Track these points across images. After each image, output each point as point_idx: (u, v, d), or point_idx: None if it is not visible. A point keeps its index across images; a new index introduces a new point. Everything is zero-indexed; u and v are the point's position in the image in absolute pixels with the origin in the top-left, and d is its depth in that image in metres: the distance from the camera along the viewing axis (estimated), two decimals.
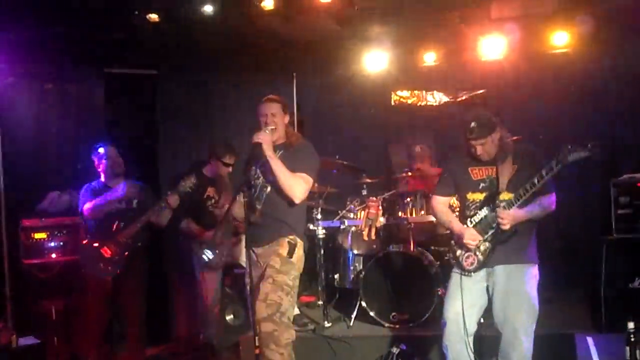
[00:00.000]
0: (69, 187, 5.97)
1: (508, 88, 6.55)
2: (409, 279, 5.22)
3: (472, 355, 3.99)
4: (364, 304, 5.25)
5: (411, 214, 5.57)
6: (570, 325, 4.99)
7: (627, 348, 3.79)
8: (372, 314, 5.24)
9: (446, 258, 4.43)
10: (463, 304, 3.93)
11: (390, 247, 5.48)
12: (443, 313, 4.06)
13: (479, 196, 4.02)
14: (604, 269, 4.88)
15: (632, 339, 3.79)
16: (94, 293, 5.29)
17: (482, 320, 4.19)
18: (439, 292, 5.14)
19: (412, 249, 5.38)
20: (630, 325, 3.79)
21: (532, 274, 3.93)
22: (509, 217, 3.80)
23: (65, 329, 5.59)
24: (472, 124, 3.91)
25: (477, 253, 3.97)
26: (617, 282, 4.82)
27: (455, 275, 4.08)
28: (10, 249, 5.79)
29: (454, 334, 3.97)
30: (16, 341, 5.28)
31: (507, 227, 3.81)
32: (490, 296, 3.98)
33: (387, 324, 5.18)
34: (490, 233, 3.93)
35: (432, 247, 5.68)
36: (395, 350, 4.75)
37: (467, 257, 4.00)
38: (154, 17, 5.74)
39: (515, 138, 4.17)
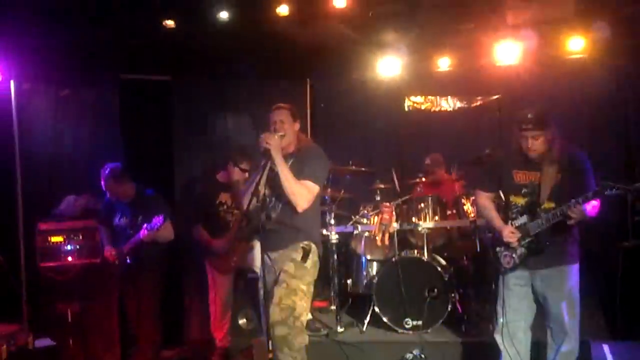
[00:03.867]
0: (85, 191, 6.03)
1: (523, 94, 6.49)
2: (423, 284, 5.20)
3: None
4: (377, 309, 5.24)
5: (425, 220, 5.56)
6: (586, 332, 4.91)
7: None
8: (385, 319, 5.22)
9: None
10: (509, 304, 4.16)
11: (404, 253, 5.47)
12: (499, 318, 4.22)
13: (521, 200, 4.10)
14: (621, 275, 4.84)
15: None
16: (115, 295, 5.47)
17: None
18: (453, 298, 5.14)
19: (425, 254, 5.37)
20: None
21: (572, 273, 4.05)
22: (581, 213, 3.80)
23: (80, 331, 5.65)
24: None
25: (514, 255, 4.09)
26: (633, 289, 4.79)
27: (501, 279, 4.22)
28: (27, 252, 5.85)
29: (512, 334, 4.18)
30: (32, 343, 5.32)
31: (573, 222, 3.84)
32: (537, 297, 4.14)
33: (400, 330, 5.16)
34: (527, 240, 4.04)
35: (446, 253, 5.67)
36: (409, 356, 4.73)
37: (505, 256, 4.13)
38: (169, 23, 5.79)
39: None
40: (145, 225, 5.22)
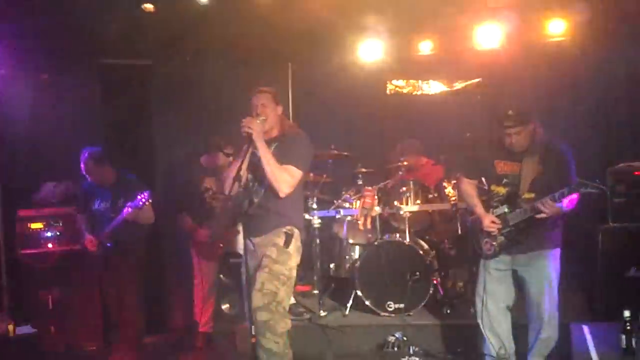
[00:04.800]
0: (64, 177, 5.97)
1: (504, 77, 6.52)
2: (405, 268, 5.22)
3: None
4: (359, 293, 5.26)
5: (406, 204, 5.58)
6: (565, 314, 4.99)
7: (623, 336, 3.79)
8: (367, 303, 5.24)
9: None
10: (488, 288, 4.18)
11: (386, 237, 5.49)
12: (478, 303, 4.25)
13: (502, 190, 4.13)
14: (600, 257, 4.90)
15: (628, 327, 3.79)
16: (96, 282, 5.43)
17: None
18: (434, 281, 5.18)
19: (407, 238, 5.39)
20: (626, 313, 3.79)
21: (552, 257, 4.08)
22: (553, 209, 3.86)
23: (62, 318, 5.62)
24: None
25: (494, 243, 4.13)
26: (612, 270, 4.85)
27: (482, 263, 4.24)
28: (6, 239, 5.80)
29: (492, 317, 4.22)
30: (14, 330, 5.29)
31: (544, 216, 3.89)
32: (517, 281, 4.19)
33: (382, 313, 5.20)
34: (506, 230, 4.08)
35: (427, 237, 5.70)
36: (391, 338, 4.77)
37: (486, 243, 4.17)
38: (149, 7, 5.71)
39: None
40: (128, 204, 5.16)
